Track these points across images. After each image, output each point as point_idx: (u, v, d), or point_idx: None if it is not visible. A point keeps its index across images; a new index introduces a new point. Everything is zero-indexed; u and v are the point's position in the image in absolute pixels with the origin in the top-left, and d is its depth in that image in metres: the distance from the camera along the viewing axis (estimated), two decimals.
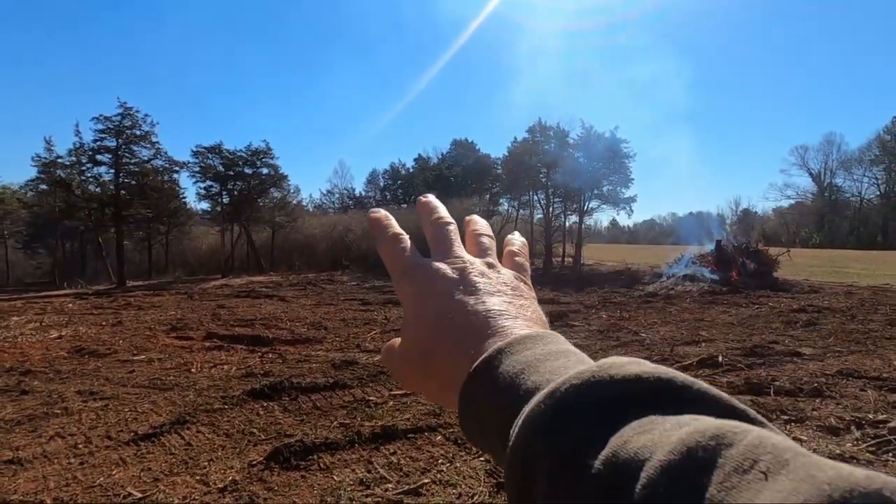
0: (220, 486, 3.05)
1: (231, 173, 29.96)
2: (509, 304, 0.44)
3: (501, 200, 34.75)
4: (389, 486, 3.02)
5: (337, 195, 51.56)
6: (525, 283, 0.49)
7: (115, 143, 25.01)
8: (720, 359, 6.02)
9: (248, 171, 30.40)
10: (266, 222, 32.25)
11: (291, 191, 36.28)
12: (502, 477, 2.31)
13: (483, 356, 0.37)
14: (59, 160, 26.61)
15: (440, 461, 3.36)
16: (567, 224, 29.98)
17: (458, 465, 3.30)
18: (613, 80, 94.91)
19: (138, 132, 25.74)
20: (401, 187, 44.64)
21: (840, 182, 67.04)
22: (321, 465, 3.34)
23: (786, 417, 4.08)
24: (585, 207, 27.61)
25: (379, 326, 9.31)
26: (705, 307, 11.59)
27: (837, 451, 3.41)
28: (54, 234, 31.36)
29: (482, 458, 3.37)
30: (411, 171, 43.79)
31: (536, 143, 28.76)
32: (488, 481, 3.04)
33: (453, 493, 2.90)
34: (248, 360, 6.77)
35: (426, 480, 3.06)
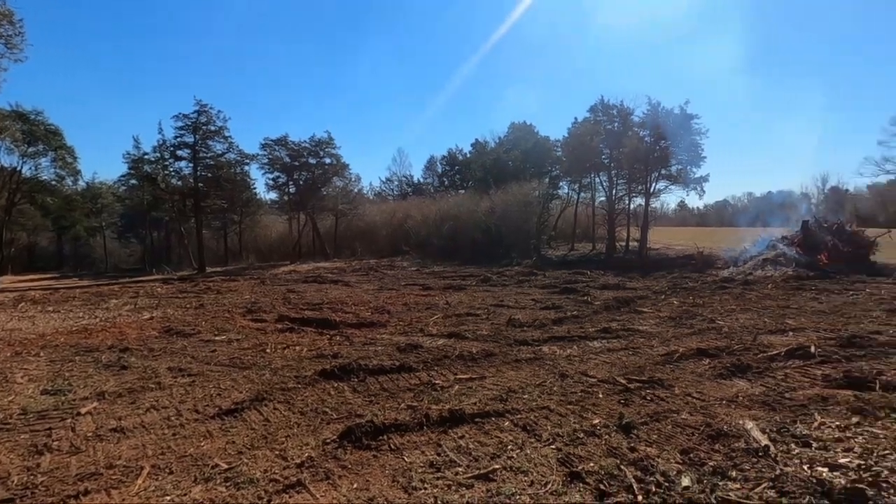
0: (297, 461, 3.18)
1: (297, 164, 31.15)
2: None
3: (561, 183, 33.75)
4: (459, 469, 3.01)
5: (396, 182, 52.32)
6: None
7: (192, 139, 26.78)
8: (812, 349, 5.50)
9: (312, 161, 31.46)
10: (329, 210, 33.37)
11: (353, 179, 37.25)
12: (575, 466, 2.19)
13: None
14: (146, 157, 29.00)
15: (510, 447, 3.31)
16: (632, 207, 28.65)
17: (528, 451, 3.23)
18: (683, 54, 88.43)
19: (213, 128, 27.35)
20: (458, 173, 44.54)
21: None
22: (391, 445, 3.40)
23: None
24: (652, 189, 26.20)
25: (441, 311, 9.37)
26: (790, 293, 10.67)
27: None
28: (144, 224, 34.39)
29: (553, 446, 3.28)
30: (468, 156, 43.51)
31: (599, 123, 27.54)
32: (561, 470, 2.95)
33: (525, 481, 2.84)
34: (317, 342, 7.05)
35: (496, 466, 3.02)
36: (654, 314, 8.56)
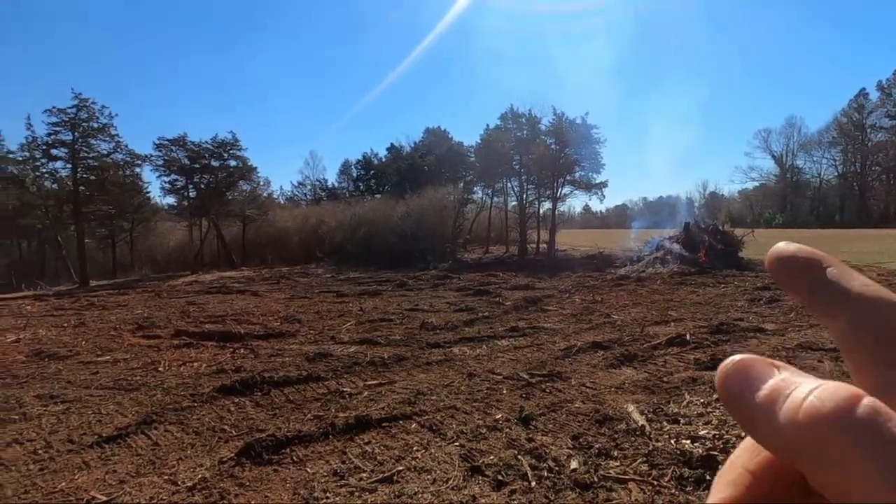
0: (189, 484, 2.98)
1: (197, 166, 29.01)
2: None
3: (476, 188, 34.74)
4: (364, 475, 3.00)
5: (309, 187, 50.71)
6: None
7: (70, 137, 23.87)
8: (688, 337, 6.20)
9: (214, 163, 29.51)
10: (236, 216, 31.46)
11: (261, 183, 35.38)
12: (476, 461, 2.30)
13: None
14: (11, 155, 25.26)
15: (415, 448, 3.36)
16: (541, 210, 30.24)
17: (432, 451, 3.30)
18: (583, 65, 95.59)
19: (96, 125, 24.63)
20: (374, 177, 44.17)
21: (801, 164, 69.58)
22: (294, 458, 3.30)
23: None
24: (558, 193, 27.89)
25: (354, 318, 9.23)
26: (674, 288, 11.90)
27: None
28: (10, 233, 29.91)
29: (457, 444, 3.39)
30: (384, 160, 43.33)
31: (509, 131, 28.81)
32: (462, 465, 3.05)
33: (428, 479, 2.90)
34: (218, 357, 6.62)
35: (401, 468, 3.05)
36: (559, 312, 9.12)
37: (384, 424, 3.80)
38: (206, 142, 28.99)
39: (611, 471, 2.77)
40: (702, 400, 3.94)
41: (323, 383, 5.01)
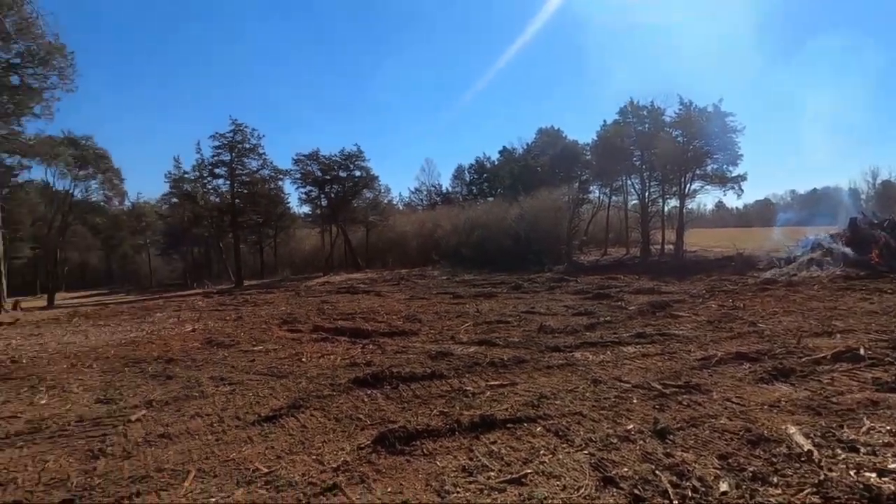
0: (333, 465, 3.27)
1: (328, 177, 31.94)
2: None
3: (592, 188, 33.24)
4: (492, 474, 3.03)
5: (425, 192, 52.85)
6: None
7: (229, 157, 27.89)
8: (862, 352, 5.24)
9: (342, 174, 32.21)
10: (360, 222, 34.01)
11: (382, 190, 37.96)
12: (608, 471, 2.19)
13: None
14: (186, 175, 30.38)
15: (542, 452, 3.30)
16: (666, 209, 27.98)
17: (560, 456, 3.22)
18: (713, 43, 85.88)
19: (248, 145, 28.43)
20: (486, 180, 44.62)
21: None
22: (424, 450, 3.44)
23: None
24: (687, 189, 25.53)
25: (471, 319, 9.40)
26: (838, 294, 10.18)
27: None
28: (185, 240, 35.90)
29: (586, 451, 3.26)
30: (496, 163, 43.55)
31: (629, 125, 27.09)
32: (594, 475, 2.92)
33: (557, 485, 2.83)
34: (350, 351, 7.19)
35: (528, 470, 3.02)
36: (692, 318, 8.34)
37: (509, 425, 3.79)
38: (335, 155, 31.81)
39: (771, 498, 2.44)
40: (888, 427, 3.29)
41: (446, 381, 5.17)
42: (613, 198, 32.48)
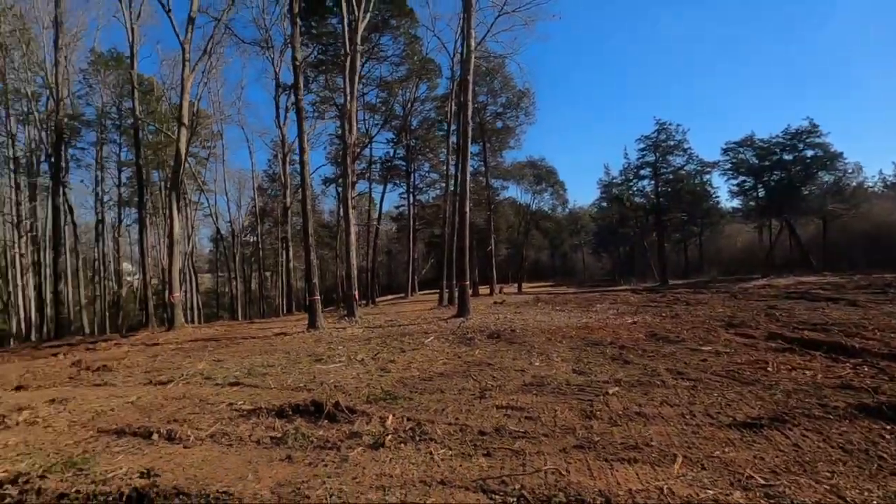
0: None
1: (766, 164, 27.34)
2: None
3: None
4: None
5: None
6: None
7: (653, 157, 28.25)
8: None
9: (787, 157, 26.82)
10: (814, 213, 27.28)
11: (849, 171, 28.91)
12: None
13: None
14: (614, 180, 32.89)
15: None
16: None
17: None
18: None
19: (672, 143, 27.92)
20: None
21: None
22: None
23: None
24: None
25: None
26: None
27: None
28: (613, 240, 39.06)
29: None
30: None
31: None
32: None
33: None
34: (834, 370, 5.76)
35: None
36: None
37: None
38: (777, 135, 26.83)
39: None
40: None
41: None
42: None
